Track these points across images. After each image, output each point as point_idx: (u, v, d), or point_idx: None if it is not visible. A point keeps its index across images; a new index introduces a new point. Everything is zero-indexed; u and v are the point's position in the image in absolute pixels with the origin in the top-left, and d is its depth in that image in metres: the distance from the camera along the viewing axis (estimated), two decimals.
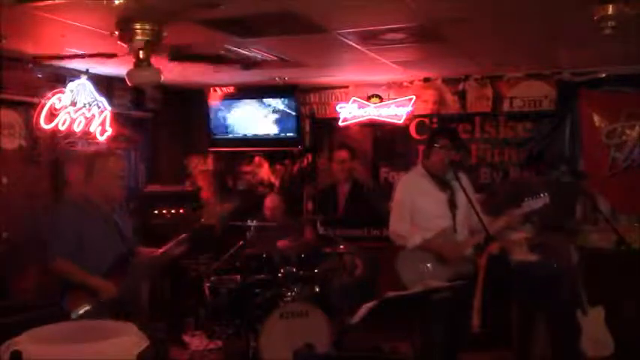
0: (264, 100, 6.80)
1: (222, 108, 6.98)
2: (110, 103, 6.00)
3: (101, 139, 5.87)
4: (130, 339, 2.39)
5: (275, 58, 5.16)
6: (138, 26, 3.80)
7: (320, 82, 6.57)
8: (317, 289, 4.93)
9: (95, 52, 4.84)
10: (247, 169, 7.25)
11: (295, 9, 3.66)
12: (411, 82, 6.44)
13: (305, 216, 5.79)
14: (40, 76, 5.23)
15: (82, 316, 3.16)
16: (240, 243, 5.28)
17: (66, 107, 5.48)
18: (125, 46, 4.01)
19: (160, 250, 3.62)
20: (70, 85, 5.55)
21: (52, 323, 2.56)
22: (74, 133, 5.60)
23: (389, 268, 3.93)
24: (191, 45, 4.66)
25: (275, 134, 6.84)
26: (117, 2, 3.33)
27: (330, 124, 6.80)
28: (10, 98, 5.05)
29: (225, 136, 7.03)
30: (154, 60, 4.00)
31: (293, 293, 4.75)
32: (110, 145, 5.88)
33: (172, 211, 6.10)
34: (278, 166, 7.11)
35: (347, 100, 6.68)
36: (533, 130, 6.02)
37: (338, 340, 4.68)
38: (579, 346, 4.25)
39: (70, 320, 3.05)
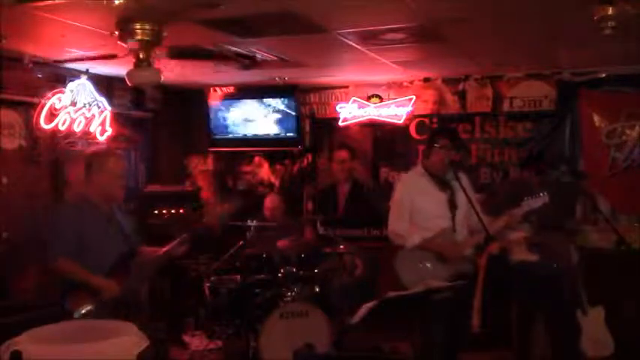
0: (264, 100, 6.80)
1: (222, 108, 6.98)
2: (110, 103, 6.00)
3: (101, 139, 5.87)
4: (130, 339, 2.39)
5: (275, 58, 5.16)
6: (138, 26, 3.80)
7: (320, 82, 6.57)
8: (317, 289, 4.93)
9: (95, 52, 4.84)
10: (247, 169, 7.25)
11: (295, 9, 3.67)
12: (411, 82, 6.44)
13: (305, 216, 5.79)
14: (40, 76, 5.23)
15: (84, 316, 3.16)
16: (240, 243, 5.28)
17: (66, 107, 5.48)
18: (125, 46, 4.01)
19: (163, 250, 3.61)
20: (70, 85, 5.55)
21: (52, 323, 2.56)
22: (74, 133, 5.60)
23: (389, 268, 3.93)
24: (191, 44, 4.66)
25: (275, 134, 6.84)
26: (117, 2, 3.33)
27: (330, 124, 6.80)
28: (10, 98, 5.06)
29: (225, 136, 7.03)
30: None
31: (293, 293, 4.75)
32: (110, 145, 5.88)
33: (172, 211, 6.10)
34: (278, 166, 7.11)
35: (347, 100, 6.68)
36: (533, 130, 6.02)
37: (338, 340, 4.68)
38: (579, 346, 4.26)
39: (71, 320, 3.05)
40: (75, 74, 5.61)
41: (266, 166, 7.16)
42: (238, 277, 5.14)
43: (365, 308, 2.87)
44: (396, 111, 6.47)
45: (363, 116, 6.60)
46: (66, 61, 5.07)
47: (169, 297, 5.67)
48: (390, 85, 6.54)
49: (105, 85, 6.02)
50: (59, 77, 5.50)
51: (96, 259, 3.32)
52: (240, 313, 4.87)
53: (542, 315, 4.49)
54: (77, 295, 3.22)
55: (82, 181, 3.56)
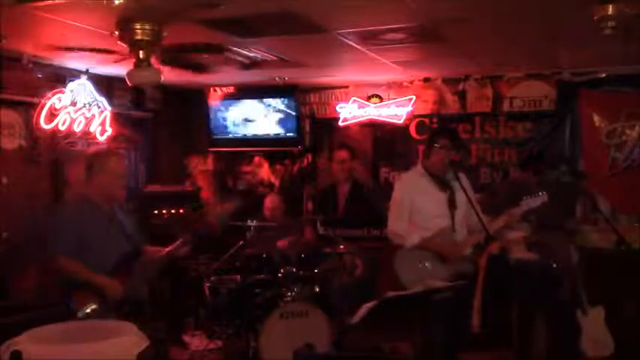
0: (264, 100, 6.80)
1: (222, 108, 6.98)
2: (110, 103, 6.00)
3: (101, 139, 5.87)
4: (130, 339, 2.39)
5: (275, 58, 5.16)
6: (138, 26, 3.80)
7: (320, 82, 6.57)
8: (317, 289, 4.93)
9: (95, 53, 4.85)
10: (247, 169, 7.25)
11: (295, 9, 3.66)
12: (411, 82, 6.44)
13: (305, 216, 5.79)
14: (40, 76, 5.23)
15: (88, 315, 3.16)
16: (240, 243, 5.28)
17: (66, 107, 5.48)
18: (125, 46, 4.01)
19: (165, 250, 3.61)
20: (70, 85, 5.55)
21: (52, 323, 2.56)
22: (74, 133, 5.60)
23: (389, 268, 3.93)
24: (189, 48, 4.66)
25: (275, 134, 6.84)
26: (117, 2, 3.33)
27: (330, 124, 6.80)
28: (10, 98, 5.05)
29: (225, 136, 7.03)
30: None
31: (293, 293, 4.75)
32: (110, 145, 5.88)
33: (172, 211, 6.10)
34: (278, 166, 7.11)
35: (347, 100, 6.68)
36: (533, 130, 6.02)
37: (338, 340, 4.68)
38: (579, 346, 4.26)
39: (73, 320, 3.04)
40: (75, 74, 5.61)
41: (266, 166, 7.16)
42: (238, 277, 5.14)
43: (365, 308, 2.87)
44: (396, 111, 6.47)
45: (363, 116, 6.60)
46: (67, 50, 5.03)
47: (169, 297, 5.67)
48: (390, 85, 6.54)
49: (105, 85, 6.02)
50: (59, 77, 5.50)
51: (97, 258, 3.32)
52: (240, 313, 4.87)
53: (543, 315, 4.49)
54: (81, 295, 3.23)
55: (83, 181, 3.56)
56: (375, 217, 5.28)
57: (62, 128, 5.47)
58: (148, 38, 3.85)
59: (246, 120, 6.92)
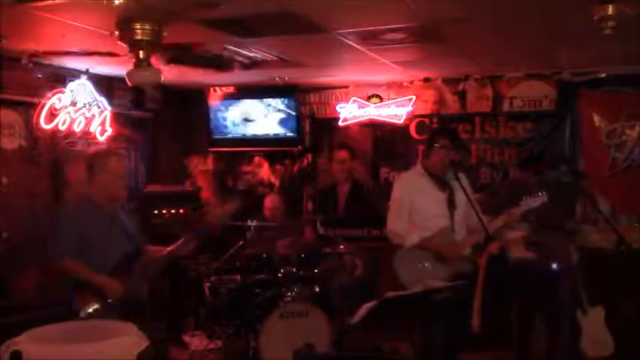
0: (264, 100, 6.80)
1: (222, 108, 6.98)
2: (110, 103, 6.00)
3: (101, 139, 5.87)
4: (130, 339, 2.40)
5: (275, 58, 5.16)
6: (138, 26, 3.80)
7: (320, 82, 6.57)
8: (317, 289, 4.93)
9: (95, 52, 4.85)
10: (247, 169, 7.25)
11: (295, 9, 3.66)
12: (411, 82, 6.44)
13: (305, 216, 5.79)
14: (40, 76, 5.23)
15: (91, 315, 3.17)
16: (240, 243, 5.28)
17: (66, 107, 5.48)
18: (125, 46, 4.01)
19: (167, 250, 3.61)
20: (70, 85, 5.55)
21: (52, 323, 2.56)
22: (74, 133, 5.60)
23: (389, 268, 3.93)
24: (191, 47, 4.66)
25: (275, 134, 6.84)
26: (117, 2, 3.33)
27: (330, 124, 6.80)
28: (10, 98, 5.06)
29: (225, 136, 7.03)
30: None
31: (293, 293, 4.75)
32: (110, 145, 5.88)
33: (172, 211, 6.10)
34: (278, 166, 7.11)
35: (347, 100, 6.68)
36: (533, 130, 6.03)
37: (338, 340, 4.68)
38: (579, 346, 4.26)
39: (73, 320, 3.04)
40: (75, 74, 5.61)
41: (266, 166, 7.16)
42: (238, 277, 5.14)
43: (365, 308, 2.87)
44: (396, 111, 6.47)
45: (363, 116, 6.61)
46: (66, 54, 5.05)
47: (169, 297, 5.67)
48: (390, 85, 6.54)
49: (105, 85, 6.02)
50: (59, 77, 5.50)
51: (99, 258, 3.32)
52: (240, 313, 4.87)
53: (542, 315, 4.49)
54: (84, 294, 3.23)
55: (83, 181, 3.56)
56: (375, 217, 5.28)
57: (62, 128, 5.47)
58: (148, 38, 3.85)
59: (246, 120, 6.92)
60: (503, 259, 4.44)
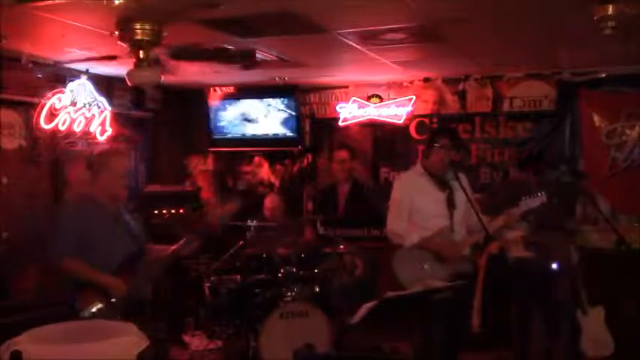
0: (264, 100, 6.80)
1: (222, 108, 6.98)
2: (110, 103, 6.00)
3: (101, 139, 5.87)
4: (130, 339, 2.39)
5: (275, 58, 5.16)
6: (138, 26, 3.80)
7: (320, 82, 6.58)
8: (317, 289, 4.93)
9: (95, 52, 4.84)
10: (247, 169, 7.25)
11: (295, 9, 3.67)
12: (411, 82, 6.44)
13: (305, 216, 5.79)
14: (40, 76, 5.23)
15: (94, 315, 3.16)
16: (240, 243, 5.28)
17: (66, 107, 5.48)
18: (125, 46, 4.01)
19: (171, 249, 3.61)
20: (70, 85, 5.55)
21: (52, 323, 2.56)
22: (74, 133, 5.60)
23: (388, 268, 3.93)
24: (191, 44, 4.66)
25: (275, 134, 6.84)
26: (117, 2, 3.34)
27: (330, 124, 6.80)
28: (10, 98, 5.06)
29: (225, 136, 7.04)
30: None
31: (293, 293, 4.75)
32: (112, 145, 5.88)
33: (172, 211, 6.09)
34: (278, 166, 7.11)
35: (347, 100, 6.68)
36: (533, 130, 6.03)
37: (338, 340, 4.68)
38: (579, 346, 4.26)
39: (74, 319, 3.04)
40: (75, 74, 5.61)
41: (266, 166, 7.16)
42: (238, 277, 5.14)
43: (365, 308, 2.87)
44: (396, 111, 6.47)
45: (363, 116, 6.61)
46: (66, 59, 5.06)
47: (169, 297, 5.67)
48: (390, 85, 6.54)
49: (105, 85, 6.02)
50: (59, 77, 5.50)
51: (102, 258, 3.32)
52: (240, 313, 4.87)
53: (542, 315, 4.49)
54: (87, 294, 3.23)
55: (83, 181, 3.56)
56: (375, 217, 5.28)
57: (62, 128, 5.47)
58: (148, 38, 3.85)
59: (246, 120, 6.92)
60: (503, 259, 4.44)
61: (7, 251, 4.95)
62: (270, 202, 5.89)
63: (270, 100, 6.78)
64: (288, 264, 4.96)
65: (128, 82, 4.22)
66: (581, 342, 4.26)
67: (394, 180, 4.94)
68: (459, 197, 3.91)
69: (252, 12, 3.75)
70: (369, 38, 4.43)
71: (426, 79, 6.34)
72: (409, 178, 4.12)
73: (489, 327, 3.98)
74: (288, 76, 6.14)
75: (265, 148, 7.02)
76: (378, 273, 5.11)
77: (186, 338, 5.38)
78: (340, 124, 6.68)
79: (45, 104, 5.30)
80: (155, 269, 3.56)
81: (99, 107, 5.83)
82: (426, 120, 6.44)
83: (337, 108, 6.70)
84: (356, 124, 6.67)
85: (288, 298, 4.69)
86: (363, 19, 3.97)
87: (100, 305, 3.20)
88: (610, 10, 3.31)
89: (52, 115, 5.37)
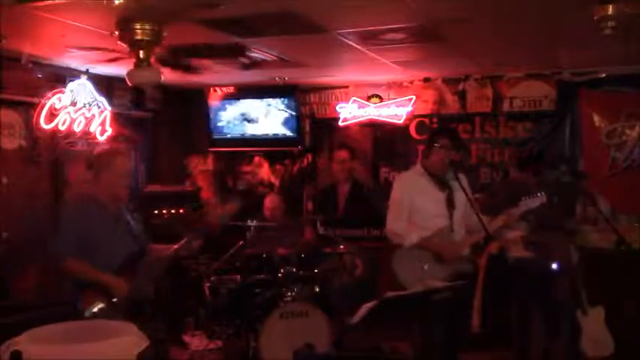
0: (264, 100, 6.80)
1: (222, 108, 6.98)
2: (110, 103, 6.00)
3: (101, 139, 5.87)
4: (130, 339, 2.39)
5: (275, 58, 5.16)
6: (138, 26, 3.81)
7: (320, 82, 6.58)
8: (317, 289, 4.93)
9: (95, 52, 4.84)
10: (247, 169, 7.25)
11: (295, 9, 3.67)
12: (411, 82, 6.44)
13: (305, 216, 5.79)
14: (40, 76, 5.23)
15: (95, 314, 3.16)
16: (240, 243, 5.28)
17: (66, 107, 5.48)
18: (125, 46, 4.01)
19: (172, 249, 3.61)
20: (70, 85, 5.55)
21: (52, 323, 2.56)
22: (74, 133, 5.60)
23: (388, 268, 3.93)
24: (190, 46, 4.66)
25: (275, 134, 6.84)
26: (117, 2, 3.33)
27: (330, 124, 6.80)
28: (10, 98, 5.06)
29: (225, 136, 7.04)
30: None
31: (293, 293, 4.75)
32: (112, 145, 5.88)
33: (172, 211, 6.09)
34: (278, 166, 7.11)
35: (347, 100, 6.68)
36: (533, 130, 6.03)
37: (338, 340, 4.68)
38: (579, 346, 4.26)
39: (74, 319, 3.04)
40: (75, 74, 5.61)
41: (266, 166, 7.16)
42: (238, 277, 5.14)
43: (365, 308, 2.87)
44: (396, 111, 6.47)
45: (363, 116, 6.61)
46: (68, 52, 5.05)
47: (169, 297, 5.67)
48: (390, 85, 6.54)
49: (105, 85, 6.02)
50: (59, 77, 5.50)
51: (104, 258, 3.32)
52: (240, 313, 4.87)
53: (542, 315, 4.49)
54: (89, 294, 3.23)
55: (83, 181, 3.56)
56: (375, 217, 5.28)
57: (62, 128, 5.47)
58: (148, 38, 3.85)
59: (246, 120, 6.92)
60: (503, 259, 4.44)
61: (7, 251, 4.95)
62: (270, 202, 5.89)
63: (270, 100, 6.78)
64: (288, 264, 4.96)
65: (128, 82, 4.22)
66: (581, 342, 4.26)
67: (394, 180, 4.94)
68: (459, 197, 3.91)
69: (252, 12, 3.75)
70: (369, 38, 4.43)
71: (426, 79, 6.34)
72: (409, 178, 4.12)
73: (489, 327, 3.99)
74: (288, 76, 6.14)
75: (265, 148, 7.02)
76: (378, 273, 5.11)
77: (186, 338, 5.38)
78: (340, 124, 6.68)
79: (45, 104, 5.30)
80: (156, 269, 3.56)
81: (99, 107, 5.83)
82: (426, 120, 6.44)
83: (337, 108, 6.70)
84: (356, 124, 6.67)
85: (288, 298, 4.69)
86: (363, 19, 3.97)
87: (101, 305, 3.20)
88: (610, 10, 3.31)
89: (52, 115, 5.37)
